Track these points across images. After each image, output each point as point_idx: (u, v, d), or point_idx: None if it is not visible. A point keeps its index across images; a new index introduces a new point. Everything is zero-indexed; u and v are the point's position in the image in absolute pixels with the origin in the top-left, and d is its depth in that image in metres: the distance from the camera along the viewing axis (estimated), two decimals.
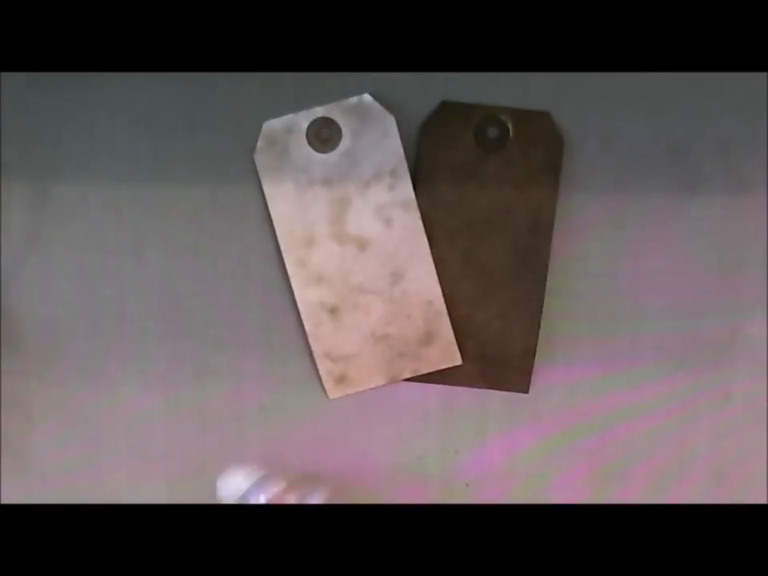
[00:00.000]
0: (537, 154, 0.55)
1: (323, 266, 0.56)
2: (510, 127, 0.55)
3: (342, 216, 0.55)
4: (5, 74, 0.54)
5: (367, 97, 0.54)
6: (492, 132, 0.55)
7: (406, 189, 0.55)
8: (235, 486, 0.49)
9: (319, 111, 0.54)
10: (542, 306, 0.56)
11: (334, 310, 0.56)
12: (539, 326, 0.56)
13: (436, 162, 0.55)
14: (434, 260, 0.56)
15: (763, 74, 0.56)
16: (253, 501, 0.47)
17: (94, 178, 0.55)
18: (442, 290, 0.56)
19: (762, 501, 0.60)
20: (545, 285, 0.56)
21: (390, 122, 0.55)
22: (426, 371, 0.57)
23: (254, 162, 0.55)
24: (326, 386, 0.57)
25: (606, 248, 0.57)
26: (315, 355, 0.57)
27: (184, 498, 0.58)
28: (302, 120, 0.54)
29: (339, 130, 0.55)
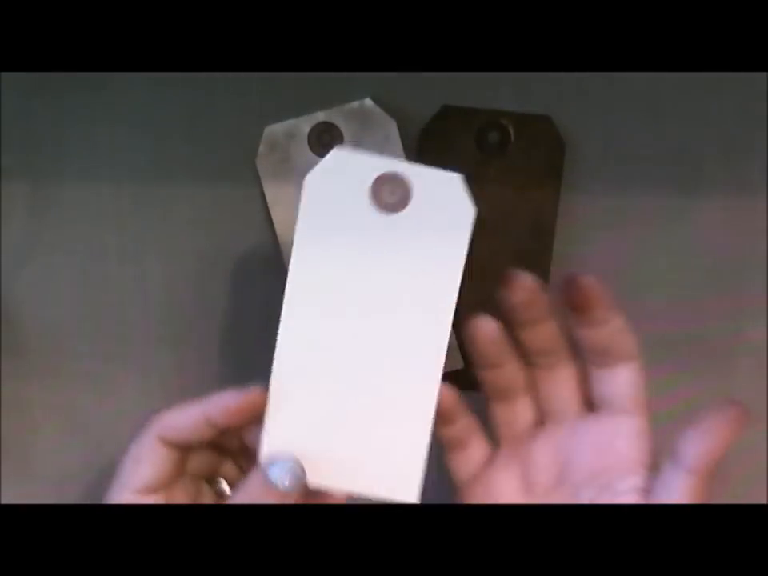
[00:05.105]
0: (538, 158, 0.55)
1: None
2: (512, 131, 0.55)
3: None
4: (6, 78, 0.54)
5: (368, 101, 0.54)
6: (493, 136, 0.55)
7: None
8: None
9: (321, 116, 0.55)
10: None
11: None
12: None
13: (437, 166, 0.55)
14: None
15: (763, 74, 0.56)
16: None
17: (94, 182, 0.56)
18: None
19: (762, 501, 0.59)
20: (547, 288, 0.56)
21: (392, 126, 0.55)
22: None
23: (255, 167, 0.55)
24: None
25: (607, 251, 0.57)
26: None
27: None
28: (304, 125, 0.55)
29: (341, 135, 0.55)
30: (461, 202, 0.43)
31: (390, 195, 0.43)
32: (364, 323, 0.43)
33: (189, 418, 0.45)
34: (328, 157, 0.42)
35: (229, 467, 0.49)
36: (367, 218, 0.42)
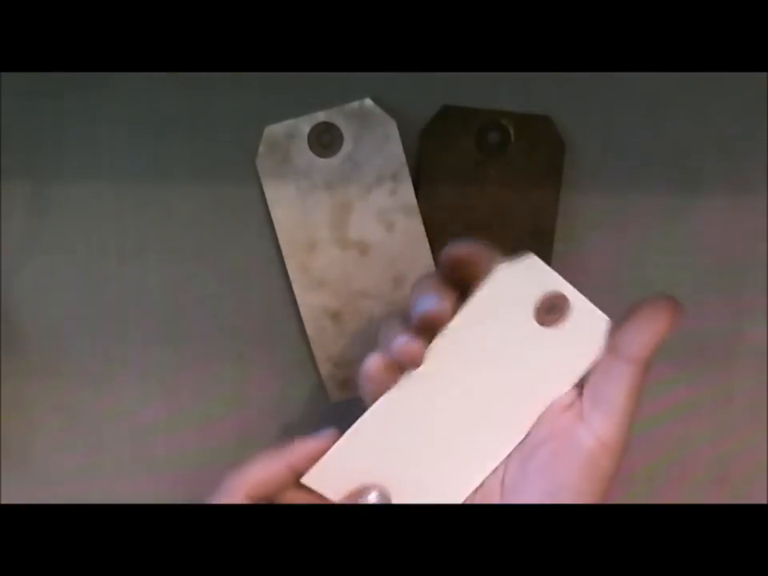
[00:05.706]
0: (538, 158, 0.55)
1: (325, 270, 0.56)
2: (512, 131, 0.55)
3: (343, 221, 0.55)
4: (6, 78, 0.54)
5: (368, 101, 0.54)
6: (493, 136, 0.55)
7: (408, 193, 0.55)
8: None
9: (320, 116, 0.55)
10: None
11: (336, 315, 0.56)
12: None
13: (437, 167, 0.55)
14: (435, 264, 0.56)
15: (763, 74, 0.56)
16: None
17: (95, 182, 0.56)
18: None
19: (761, 501, 0.59)
20: None
21: (392, 127, 0.55)
22: None
23: (255, 167, 0.55)
24: (329, 390, 0.57)
25: (607, 251, 0.57)
26: (317, 360, 0.57)
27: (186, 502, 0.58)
28: (304, 125, 0.55)
29: (341, 135, 0.55)
30: (598, 342, 0.46)
31: (553, 313, 0.47)
32: (467, 398, 0.47)
33: (275, 472, 0.46)
34: (524, 261, 0.46)
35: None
36: (524, 323, 0.46)
